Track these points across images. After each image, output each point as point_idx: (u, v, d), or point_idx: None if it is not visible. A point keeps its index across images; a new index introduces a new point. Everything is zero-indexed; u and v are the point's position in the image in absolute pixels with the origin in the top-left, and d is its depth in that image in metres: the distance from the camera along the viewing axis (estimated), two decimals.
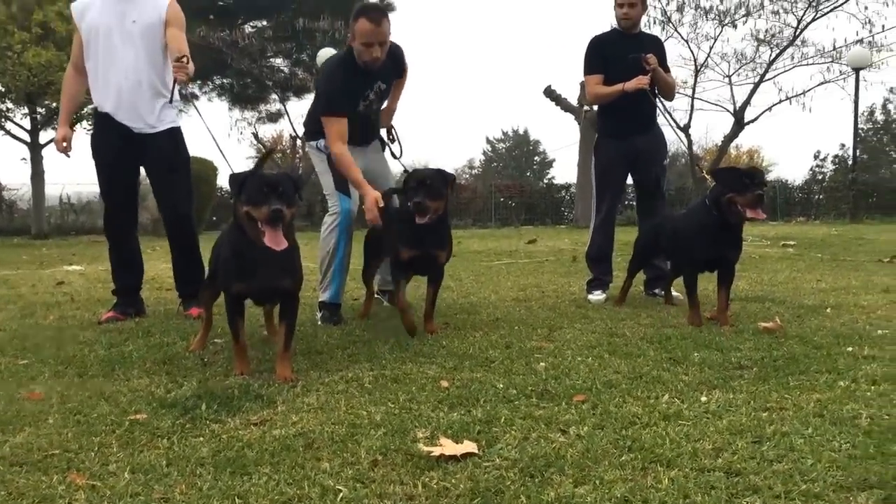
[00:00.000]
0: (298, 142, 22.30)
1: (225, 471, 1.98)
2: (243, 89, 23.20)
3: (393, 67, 4.31)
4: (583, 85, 20.32)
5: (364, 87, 4.18)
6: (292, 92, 22.12)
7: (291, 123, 22.06)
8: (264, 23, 21.93)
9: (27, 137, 18.48)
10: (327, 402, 2.60)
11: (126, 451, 2.15)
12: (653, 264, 4.89)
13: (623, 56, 4.77)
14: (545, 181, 42.34)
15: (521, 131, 59.18)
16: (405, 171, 4.17)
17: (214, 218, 17.70)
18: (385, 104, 4.46)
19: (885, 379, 2.71)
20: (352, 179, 4.09)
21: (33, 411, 2.53)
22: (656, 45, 4.96)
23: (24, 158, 18.79)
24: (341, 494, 1.82)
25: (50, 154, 18.25)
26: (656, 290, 4.96)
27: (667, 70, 4.96)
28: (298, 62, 21.68)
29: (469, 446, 2.09)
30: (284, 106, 22.51)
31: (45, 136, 18.32)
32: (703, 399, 2.54)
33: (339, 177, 4.17)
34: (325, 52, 14.39)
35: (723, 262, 3.94)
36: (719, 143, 27.40)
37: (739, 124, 23.92)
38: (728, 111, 24.37)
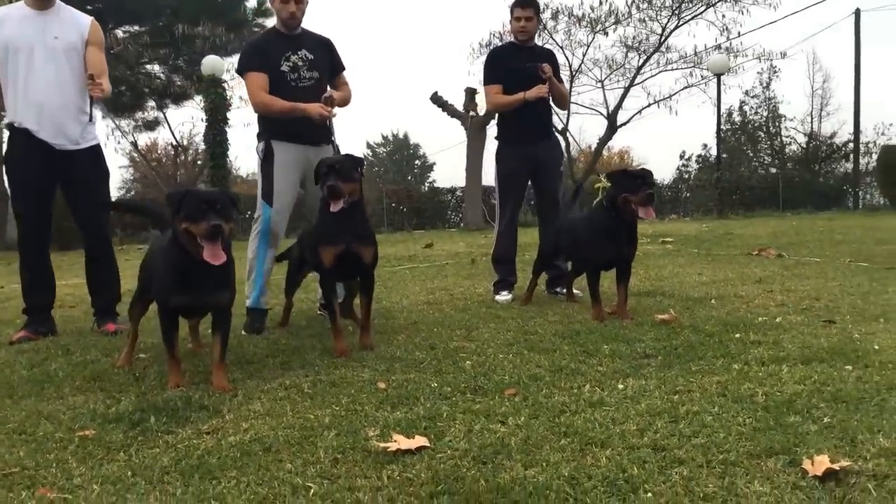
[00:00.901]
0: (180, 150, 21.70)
1: (192, 477, 2.07)
2: (118, 97, 22.37)
3: (322, 50, 4.43)
4: (467, 91, 20.81)
5: (285, 47, 4.29)
6: (171, 99, 21.53)
7: (172, 132, 21.53)
8: (138, 28, 21.26)
9: None
10: (272, 408, 2.70)
11: (86, 466, 2.19)
12: (554, 264, 5.19)
13: (519, 67, 5.05)
14: (427, 184, 42.89)
15: (400, 135, 59.59)
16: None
17: None
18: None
19: (772, 360, 3.06)
20: (284, 108, 4.18)
21: None
22: (550, 58, 5.27)
23: None
24: (312, 490, 1.95)
25: None
26: (558, 289, 5.26)
27: (560, 81, 5.28)
28: (176, 69, 21.15)
29: (420, 440, 2.25)
30: (164, 114, 21.91)
31: None
32: (620, 386, 2.80)
33: (267, 185, 4.28)
34: (210, 60, 14.18)
35: (621, 260, 4.26)
36: (594, 146, 28.65)
37: (612, 127, 25.12)
38: (602, 114, 25.56)
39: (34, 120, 4.15)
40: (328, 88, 4.43)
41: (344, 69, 4.61)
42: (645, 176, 4.14)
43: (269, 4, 4.26)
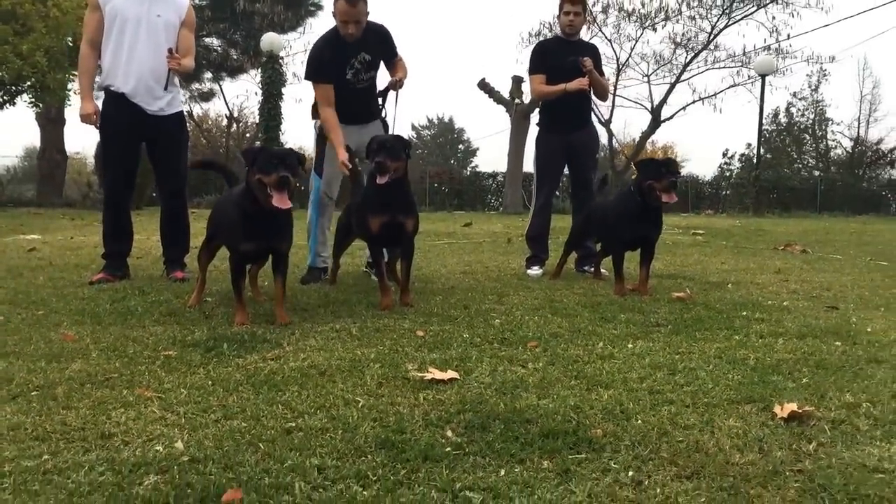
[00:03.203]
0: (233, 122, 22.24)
1: (262, 388, 2.49)
2: None
3: (379, 43, 4.77)
4: (514, 79, 21.06)
5: (348, 55, 4.67)
6: (227, 72, 22.11)
7: (227, 103, 22.10)
8: (198, 1, 21.84)
9: None
10: (325, 344, 3.12)
11: (173, 376, 2.63)
12: (584, 245, 5.56)
13: (563, 60, 5.39)
14: (469, 169, 43.26)
15: (446, 119, 60.00)
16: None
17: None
18: (379, 83, 4.89)
19: (770, 334, 3.41)
20: (331, 140, 4.61)
21: (75, 349, 2.97)
22: (593, 51, 5.61)
23: None
24: (361, 403, 2.36)
25: None
26: (586, 267, 5.63)
27: (601, 74, 5.62)
28: (234, 43, 21.70)
29: (452, 374, 2.66)
30: (220, 86, 22.49)
31: None
32: (630, 346, 3.18)
33: (318, 158, 4.72)
34: (269, 37, 14.67)
35: (645, 241, 4.62)
36: (637, 139, 28.72)
37: (656, 121, 25.22)
38: (646, 108, 25.66)
39: (132, 86, 4.66)
40: (387, 78, 4.88)
41: (397, 54, 4.92)
42: (669, 164, 4.47)
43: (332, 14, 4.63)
